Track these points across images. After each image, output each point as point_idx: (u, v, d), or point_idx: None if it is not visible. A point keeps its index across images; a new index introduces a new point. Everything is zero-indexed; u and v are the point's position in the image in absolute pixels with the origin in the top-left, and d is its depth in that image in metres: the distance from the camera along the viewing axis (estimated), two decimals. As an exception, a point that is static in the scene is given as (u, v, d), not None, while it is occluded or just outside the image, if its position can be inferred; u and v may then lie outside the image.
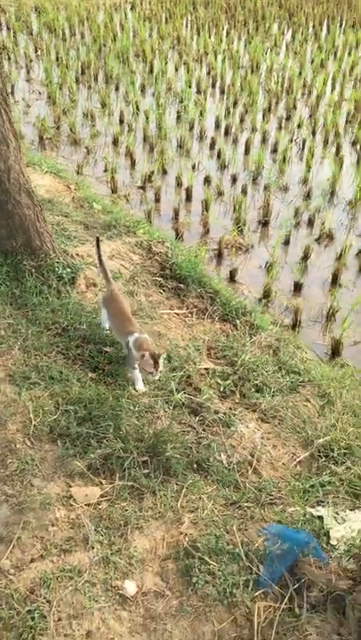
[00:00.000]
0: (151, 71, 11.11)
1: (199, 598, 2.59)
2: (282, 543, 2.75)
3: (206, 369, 4.00)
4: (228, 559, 2.74)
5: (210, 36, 13.36)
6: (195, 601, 2.59)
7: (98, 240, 4.04)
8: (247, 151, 8.53)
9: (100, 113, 9.38)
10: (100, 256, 4.00)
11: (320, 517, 3.03)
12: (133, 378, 3.63)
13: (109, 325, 3.89)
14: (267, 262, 6.21)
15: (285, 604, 2.56)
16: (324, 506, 3.12)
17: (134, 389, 3.62)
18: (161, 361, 3.36)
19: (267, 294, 5.79)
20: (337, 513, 3.09)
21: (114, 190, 7.31)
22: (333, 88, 10.67)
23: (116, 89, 10.43)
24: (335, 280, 6.08)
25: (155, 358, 3.34)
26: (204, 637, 2.48)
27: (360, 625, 2.46)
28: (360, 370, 4.69)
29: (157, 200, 7.24)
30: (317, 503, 3.15)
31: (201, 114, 9.37)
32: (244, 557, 2.74)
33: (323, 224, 6.88)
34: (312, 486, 3.26)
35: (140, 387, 3.62)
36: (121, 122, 9.15)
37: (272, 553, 2.72)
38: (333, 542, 2.88)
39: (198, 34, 13.51)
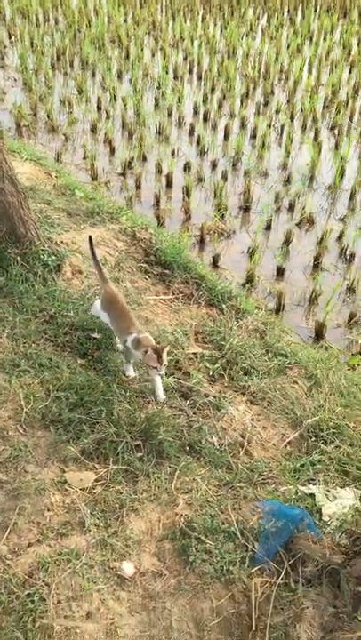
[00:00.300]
0: (127, 57, 11.01)
1: (197, 576, 2.64)
2: (276, 520, 2.80)
3: (195, 353, 4.03)
4: (224, 538, 2.78)
5: (185, 21, 13.27)
6: (192, 579, 2.63)
7: (91, 239, 3.89)
8: (226, 137, 8.52)
9: (77, 99, 9.29)
10: (94, 255, 3.85)
11: (312, 495, 3.09)
12: (125, 365, 3.64)
13: (111, 326, 3.71)
14: (249, 247, 6.24)
15: (281, 579, 2.62)
16: (315, 484, 3.18)
17: (124, 375, 3.63)
18: (164, 355, 3.27)
19: (250, 279, 5.82)
20: (328, 490, 3.15)
21: (94, 177, 7.26)
22: (310, 73, 10.70)
23: (93, 75, 10.33)
24: (317, 264, 6.14)
25: (158, 353, 3.24)
26: (202, 614, 2.52)
27: (355, 597, 2.52)
28: (343, 351, 4.76)
29: (138, 187, 7.21)
30: (308, 481, 3.21)
31: (179, 100, 9.33)
32: (239, 535, 2.78)
33: (303, 209, 6.93)
34: (303, 465, 3.32)
35: (130, 372, 3.64)
36: (99, 108, 9.07)
37: (267, 530, 2.77)
38: (326, 519, 2.94)
39: (174, 19, 13.41)
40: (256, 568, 2.67)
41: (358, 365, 4.54)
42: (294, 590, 2.57)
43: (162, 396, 3.54)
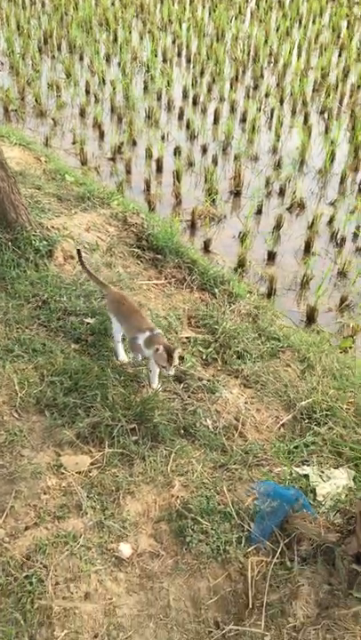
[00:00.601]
0: (115, 40, 10.89)
1: (193, 556, 2.67)
2: (271, 501, 2.83)
3: (188, 338, 4.04)
4: (220, 518, 2.81)
5: (174, 4, 13.12)
6: (189, 559, 2.66)
7: (79, 252, 3.83)
8: (216, 121, 8.48)
9: (66, 83, 9.18)
10: (84, 266, 3.76)
11: (306, 476, 3.12)
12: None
13: (123, 330, 3.56)
14: (240, 232, 6.24)
15: (277, 558, 2.65)
16: (309, 465, 3.22)
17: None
18: (176, 355, 3.19)
19: (241, 264, 5.83)
20: (322, 471, 3.18)
21: (84, 162, 7.20)
22: (299, 56, 10.63)
23: (81, 59, 10.21)
24: (308, 248, 6.15)
25: (169, 352, 3.17)
26: (199, 593, 2.55)
27: (350, 574, 2.56)
28: (334, 335, 4.80)
29: (128, 172, 7.17)
30: (303, 463, 3.24)
31: (168, 83, 9.26)
32: (235, 516, 2.81)
33: (294, 193, 6.92)
34: (296, 447, 3.35)
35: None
36: (87, 92, 8.98)
37: (262, 511, 2.80)
38: (320, 499, 2.98)
39: (162, 1, 13.25)
40: (252, 547, 2.70)
41: (350, 348, 4.57)
42: (290, 568, 2.60)
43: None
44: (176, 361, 3.23)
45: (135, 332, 3.38)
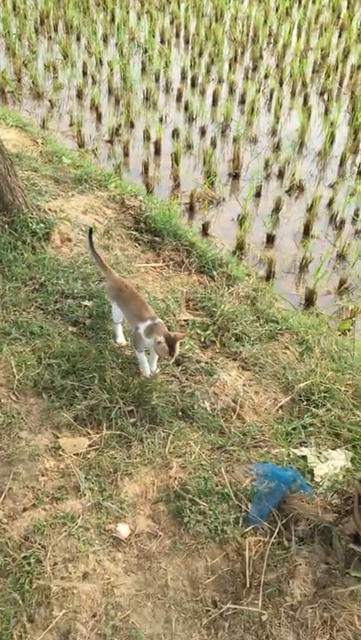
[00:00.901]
0: (113, 20, 10.74)
1: (191, 537, 2.68)
2: (269, 482, 2.84)
3: (186, 320, 4.02)
4: (218, 499, 2.82)
5: (171, -16, 12.91)
6: (187, 539, 2.67)
7: (90, 231, 3.74)
8: (215, 102, 8.39)
9: (62, 65, 9.07)
10: (92, 246, 3.70)
11: (304, 457, 3.12)
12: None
13: (123, 317, 3.53)
14: (239, 215, 6.19)
15: (275, 538, 2.67)
16: (307, 446, 3.22)
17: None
18: (177, 347, 3.14)
19: (240, 247, 5.80)
20: (320, 452, 3.19)
21: (81, 145, 7.14)
22: (299, 37, 10.49)
23: (78, 39, 10.07)
24: (307, 231, 6.11)
25: (170, 343, 3.10)
26: (197, 572, 2.57)
27: (347, 554, 2.58)
28: (333, 317, 4.78)
29: (126, 154, 7.11)
30: (300, 444, 3.25)
31: (166, 65, 9.14)
32: (233, 497, 2.82)
33: (293, 175, 6.87)
34: (294, 429, 3.35)
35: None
36: (84, 74, 8.88)
37: (260, 491, 2.80)
38: (318, 479, 2.99)
39: (159, -19, 13.04)
40: (250, 528, 2.71)
41: (349, 330, 4.56)
42: (287, 548, 2.62)
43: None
44: (177, 351, 3.18)
45: (136, 320, 3.32)
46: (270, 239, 6.01)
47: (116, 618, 2.40)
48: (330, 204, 6.52)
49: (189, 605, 2.47)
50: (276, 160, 7.20)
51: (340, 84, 9.17)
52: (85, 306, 3.83)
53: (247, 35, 10.51)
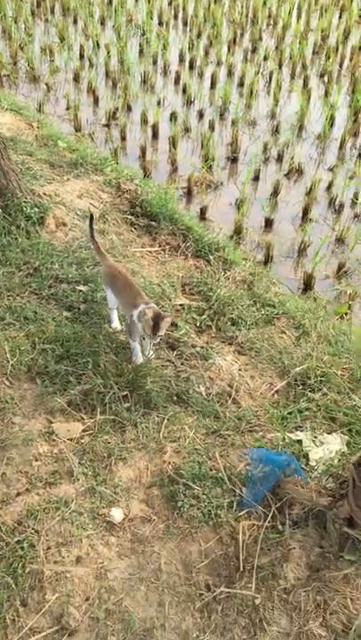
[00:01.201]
0: (110, 2, 10.58)
1: (185, 521, 2.67)
2: (263, 466, 2.82)
3: (182, 305, 3.99)
4: (212, 483, 2.80)
5: (170, -35, 12.73)
6: (181, 523, 2.66)
7: (91, 217, 3.68)
8: (213, 85, 8.29)
9: (59, 48, 8.96)
10: (92, 232, 3.63)
11: (299, 441, 3.11)
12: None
13: (117, 303, 3.51)
14: (237, 199, 6.14)
15: (268, 521, 2.66)
16: (302, 431, 3.21)
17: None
18: (163, 324, 3.10)
19: (238, 231, 5.75)
20: (315, 436, 3.17)
21: (77, 129, 7.06)
22: (299, 18, 10.36)
23: (75, 22, 9.94)
24: (306, 215, 6.06)
25: (156, 320, 3.08)
26: (191, 556, 2.56)
27: (341, 537, 2.57)
28: (331, 302, 4.75)
29: (123, 138, 7.03)
30: (296, 428, 3.23)
31: (164, 47, 9.03)
32: (227, 481, 2.81)
33: (292, 159, 6.80)
34: (290, 413, 3.33)
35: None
36: (81, 57, 8.77)
37: (254, 475, 2.79)
38: (313, 463, 2.97)
39: None
40: (244, 512, 2.70)
41: (346, 314, 4.53)
42: (281, 532, 2.61)
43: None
44: (162, 331, 3.14)
45: (130, 308, 3.28)
46: (269, 223, 5.96)
47: (109, 601, 2.40)
48: (329, 187, 6.46)
49: (183, 589, 2.46)
50: (275, 143, 7.13)
51: (341, 65, 9.07)
52: (80, 291, 3.80)
53: (246, 16, 10.37)
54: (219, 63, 8.83)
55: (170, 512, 2.71)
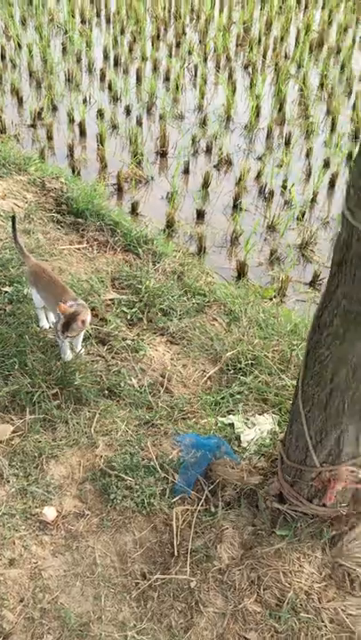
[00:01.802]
0: (30, 2, 10.42)
1: (118, 512, 2.66)
2: (195, 451, 2.84)
3: (112, 299, 3.98)
4: (145, 473, 2.80)
5: None
6: (114, 515, 2.65)
7: (14, 218, 3.59)
8: (139, 81, 8.27)
9: (-20, 50, 8.78)
10: (15, 233, 3.54)
11: (231, 424, 3.14)
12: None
13: (44, 302, 3.44)
14: (168, 192, 6.15)
15: (202, 505, 2.68)
16: (234, 414, 3.24)
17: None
18: (74, 326, 3.05)
19: (170, 224, 5.76)
20: (247, 418, 3.21)
21: (2, 130, 6.92)
22: (221, 11, 10.45)
23: (-5, 23, 9.76)
24: (237, 204, 6.12)
25: (68, 320, 3.04)
26: (125, 547, 2.56)
27: (273, 514, 2.61)
28: (262, 285, 4.82)
29: (50, 138, 6.94)
30: (228, 412, 3.26)
31: (88, 45, 8.96)
32: (159, 469, 2.81)
33: (220, 150, 6.86)
34: (223, 398, 3.36)
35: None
36: (2, 58, 8.61)
37: (186, 461, 2.81)
38: (244, 444, 3.01)
39: None
40: (177, 498, 2.71)
41: (275, 297, 4.60)
42: (214, 514, 2.63)
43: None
44: (73, 332, 3.10)
45: (55, 306, 3.19)
46: (201, 215, 5.99)
47: (44, 600, 2.37)
48: (258, 176, 6.54)
49: (118, 580, 2.45)
50: (204, 135, 7.17)
51: (264, 56, 9.19)
52: (5, 292, 3.73)
53: (169, 11, 10.39)
54: (143, 59, 8.82)
55: (103, 505, 2.69)
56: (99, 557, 2.51)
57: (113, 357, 3.50)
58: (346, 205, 1.98)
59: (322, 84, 8.28)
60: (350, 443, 2.35)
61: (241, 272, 5.28)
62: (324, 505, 2.49)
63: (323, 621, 2.29)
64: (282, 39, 9.51)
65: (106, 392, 3.26)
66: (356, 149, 1.85)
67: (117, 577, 2.47)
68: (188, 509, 2.66)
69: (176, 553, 2.51)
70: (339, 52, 9.32)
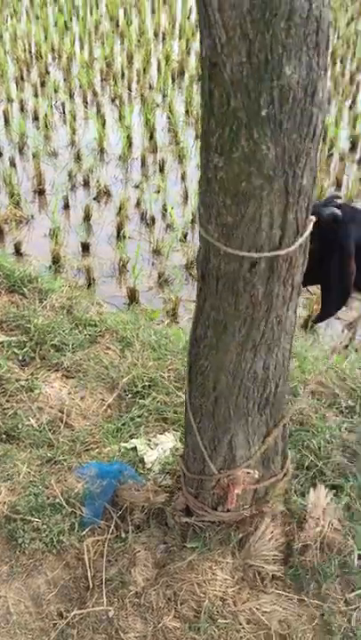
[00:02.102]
0: None
1: (28, 556, 2.61)
2: (100, 480, 2.85)
3: (1, 343, 3.92)
4: (51, 511, 2.77)
5: None
6: (24, 560, 2.60)
7: None
8: (7, 122, 8.26)
9: None
10: None
11: (134, 448, 3.18)
12: None
13: None
14: (50, 229, 6.15)
15: (112, 532, 2.68)
16: (136, 437, 3.28)
17: None
18: None
19: (56, 260, 5.78)
20: (149, 440, 3.26)
21: None
22: (82, 48, 10.66)
23: None
24: (120, 233, 6.22)
25: None
26: (39, 590, 2.51)
27: (182, 528, 2.66)
28: (154, 309, 4.93)
29: None
30: (130, 437, 3.30)
31: None
32: (65, 505, 2.79)
33: (98, 182, 6.97)
34: (124, 424, 3.39)
35: None
36: None
37: (91, 492, 2.81)
38: (148, 465, 3.05)
39: None
40: (86, 530, 2.70)
41: (163, 321, 4.72)
42: (125, 539, 2.64)
43: None
44: None
45: None
46: (86, 247, 6.05)
47: None
48: (138, 203, 6.70)
49: (35, 625, 2.40)
50: (80, 170, 7.26)
51: (129, 88, 9.46)
52: None
53: (30, 52, 10.47)
54: (9, 100, 8.82)
55: (11, 552, 2.63)
56: (12, 606, 2.45)
57: (8, 400, 3.44)
58: (200, 222, 2.11)
59: (187, 111, 8.64)
60: (242, 446, 2.45)
61: (132, 298, 5.37)
62: (228, 510, 2.57)
63: (240, 624, 2.36)
64: (144, 71, 9.84)
65: (3, 436, 3.20)
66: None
67: (34, 621, 2.41)
68: (98, 540, 2.66)
69: (91, 585, 2.50)
70: (200, 79, 9.75)
